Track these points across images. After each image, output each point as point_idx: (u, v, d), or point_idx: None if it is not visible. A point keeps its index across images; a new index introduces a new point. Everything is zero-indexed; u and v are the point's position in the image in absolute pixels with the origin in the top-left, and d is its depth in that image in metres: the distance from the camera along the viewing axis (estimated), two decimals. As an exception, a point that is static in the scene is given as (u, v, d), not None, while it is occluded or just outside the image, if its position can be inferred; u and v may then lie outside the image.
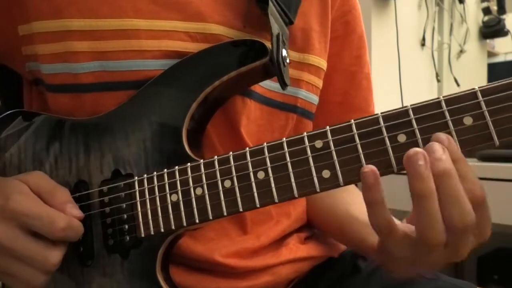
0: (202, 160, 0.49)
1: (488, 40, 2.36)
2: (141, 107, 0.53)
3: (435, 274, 0.61)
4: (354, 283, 0.68)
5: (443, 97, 0.41)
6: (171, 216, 0.49)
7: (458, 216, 0.39)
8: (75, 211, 0.50)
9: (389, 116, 0.42)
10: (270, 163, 0.45)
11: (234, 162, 0.47)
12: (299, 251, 0.64)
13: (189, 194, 0.48)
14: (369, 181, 0.40)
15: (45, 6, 0.53)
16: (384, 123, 0.42)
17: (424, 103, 0.41)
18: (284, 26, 0.58)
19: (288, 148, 0.45)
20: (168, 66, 0.53)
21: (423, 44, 1.87)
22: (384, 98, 1.50)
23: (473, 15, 2.23)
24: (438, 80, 1.98)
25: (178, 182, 0.49)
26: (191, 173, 0.48)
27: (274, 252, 0.62)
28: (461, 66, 2.08)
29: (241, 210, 0.46)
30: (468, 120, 0.40)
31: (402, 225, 0.43)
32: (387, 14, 1.64)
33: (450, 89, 2.01)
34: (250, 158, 0.46)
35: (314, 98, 0.67)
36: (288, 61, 0.53)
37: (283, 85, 0.52)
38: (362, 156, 0.42)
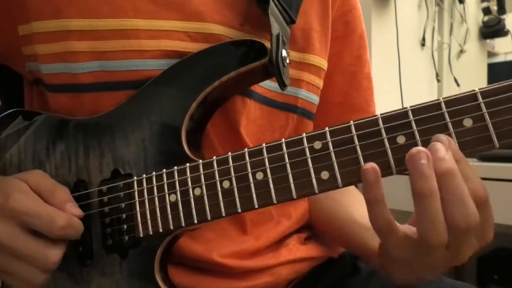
0: (201, 161, 0.49)
1: (488, 40, 2.36)
2: (140, 107, 0.53)
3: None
4: (354, 284, 0.68)
5: (443, 98, 0.41)
6: (170, 217, 0.49)
7: (462, 216, 0.39)
8: (75, 209, 0.50)
9: (388, 117, 0.42)
10: (269, 164, 0.45)
11: (233, 163, 0.47)
12: (299, 251, 0.64)
13: (187, 194, 0.48)
14: (370, 179, 0.40)
15: (45, 6, 0.53)
16: (383, 124, 0.42)
17: (424, 105, 0.41)
18: (285, 25, 0.57)
19: (287, 149, 0.45)
20: (168, 66, 0.53)
21: (423, 44, 1.87)
22: (384, 98, 1.49)
23: (473, 15, 2.23)
24: (438, 80, 1.98)
25: (177, 183, 0.49)
26: (190, 174, 0.48)
27: (274, 252, 0.62)
28: (461, 66, 2.08)
29: (239, 210, 0.46)
30: (468, 122, 0.40)
31: (403, 226, 0.43)
32: (387, 14, 1.64)
33: (450, 89, 2.01)
34: (249, 158, 0.46)
35: (315, 98, 0.67)
36: (288, 61, 0.53)
37: (282, 85, 0.52)
38: (361, 157, 0.42)
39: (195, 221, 0.48)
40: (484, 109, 0.39)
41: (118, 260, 0.51)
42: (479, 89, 0.40)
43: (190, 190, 0.48)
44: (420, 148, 0.39)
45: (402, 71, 1.68)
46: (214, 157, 0.48)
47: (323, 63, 0.67)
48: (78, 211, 0.50)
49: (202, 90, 0.51)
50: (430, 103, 0.41)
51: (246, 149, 0.47)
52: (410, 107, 0.41)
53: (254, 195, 0.46)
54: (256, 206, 0.45)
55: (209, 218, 0.47)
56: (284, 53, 0.52)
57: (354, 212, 0.65)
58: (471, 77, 2.20)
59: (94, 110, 0.54)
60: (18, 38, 0.56)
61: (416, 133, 0.41)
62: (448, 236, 0.40)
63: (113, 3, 0.53)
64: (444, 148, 0.38)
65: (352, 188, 0.70)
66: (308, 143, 0.44)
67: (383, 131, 0.42)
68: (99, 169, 0.53)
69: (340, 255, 0.71)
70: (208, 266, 0.57)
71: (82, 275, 0.52)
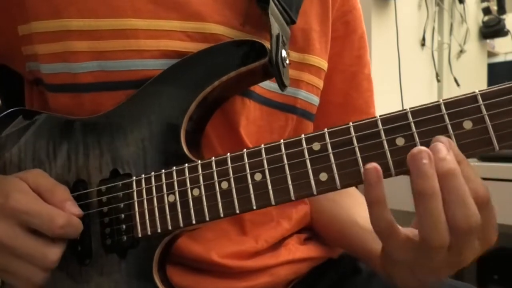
0: (199, 161, 0.49)
1: (488, 40, 2.36)
2: (140, 107, 0.53)
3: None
4: (355, 285, 0.68)
5: (443, 100, 0.40)
6: (168, 217, 0.49)
7: (463, 217, 0.38)
8: (74, 208, 0.50)
9: (387, 119, 0.42)
10: (268, 165, 0.45)
11: (231, 164, 0.47)
12: (298, 251, 0.64)
13: (186, 195, 0.48)
14: (372, 179, 0.39)
15: (44, 6, 0.53)
16: (382, 126, 0.42)
17: (423, 106, 0.41)
18: (286, 25, 0.57)
19: (285, 150, 0.45)
20: (167, 66, 0.53)
21: (423, 44, 1.87)
22: (384, 98, 1.50)
23: (473, 15, 2.23)
24: (438, 80, 1.98)
25: (176, 183, 0.49)
26: (189, 174, 0.48)
27: (273, 252, 0.62)
28: (461, 66, 2.08)
29: (237, 211, 0.46)
30: (467, 124, 0.40)
31: (404, 229, 0.43)
32: (387, 14, 1.64)
33: (450, 89, 2.01)
34: (248, 159, 0.46)
35: (315, 99, 0.67)
36: (288, 61, 0.53)
37: (282, 86, 0.52)
38: (359, 159, 0.42)
39: (193, 222, 0.48)
40: (484, 111, 0.39)
41: (116, 260, 0.51)
42: (479, 91, 0.40)
43: (189, 190, 0.48)
44: (422, 147, 0.38)
45: (402, 71, 1.68)
46: (213, 158, 0.48)
47: (323, 64, 0.67)
48: (78, 210, 0.50)
49: (201, 90, 0.51)
50: (429, 105, 0.41)
51: (245, 150, 0.47)
52: (409, 108, 0.41)
53: (252, 196, 0.45)
54: (254, 207, 0.45)
55: (207, 218, 0.47)
56: (284, 53, 0.52)
57: (355, 214, 0.65)
58: (471, 77, 2.20)
59: (94, 110, 0.54)
60: (18, 38, 0.56)
61: (416, 135, 0.41)
62: (450, 237, 0.39)
63: (112, 3, 0.53)
64: (446, 149, 0.38)
65: (353, 189, 0.70)
66: (307, 144, 0.44)
67: (382, 132, 0.41)
68: (99, 169, 0.53)
69: (339, 256, 0.71)
70: (207, 266, 0.57)
71: (81, 275, 0.52)
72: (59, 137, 0.55)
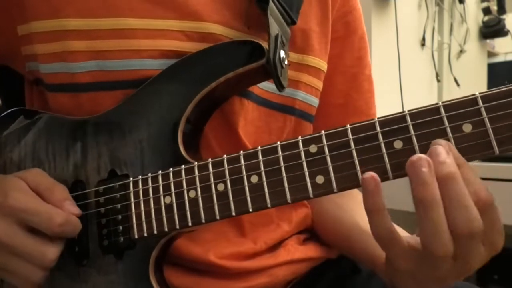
0: (196, 163, 0.48)
1: (488, 40, 2.37)
2: (138, 107, 0.53)
3: None
4: (354, 284, 0.67)
5: (442, 102, 0.40)
6: (164, 219, 0.49)
7: (464, 222, 0.37)
8: (73, 208, 0.50)
9: (385, 122, 0.41)
10: (264, 167, 0.45)
11: (227, 165, 0.46)
12: (297, 252, 0.64)
13: (182, 196, 0.48)
14: (370, 188, 0.39)
15: (43, 6, 0.53)
16: (380, 128, 0.41)
17: (422, 109, 0.40)
18: (286, 26, 0.57)
19: (282, 152, 0.44)
20: (165, 66, 0.53)
21: (423, 44, 1.87)
22: (384, 99, 1.49)
23: (473, 15, 2.23)
24: (438, 80, 1.98)
25: (172, 184, 0.49)
26: (185, 176, 0.48)
27: (272, 253, 0.62)
28: (461, 66, 2.08)
29: (233, 214, 0.46)
30: (467, 127, 0.39)
31: (407, 237, 0.42)
32: (387, 14, 1.63)
33: (450, 89, 2.01)
34: (244, 161, 0.46)
35: (314, 100, 0.67)
36: (286, 62, 0.53)
37: (280, 87, 0.51)
38: (357, 162, 0.41)
39: (190, 224, 0.47)
40: (484, 114, 0.38)
41: (113, 260, 0.51)
42: (479, 93, 0.39)
43: (185, 192, 0.48)
44: (421, 155, 0.38)
45: (402, 71, 1.68)
46: (210, 159, 0.48)
47: (323, 65, 0.66)
48: (76, 210, 0.50)
49: (199, 92, 0.51)
50: (428, 107, 0.40)
51: (241, 151, 0.46)
52: (408, 111, 0.40)
53: (248, 198, 0.45)
54: (251, 210, 0.45)
55: (203, 221, 0.47)
56: (282, 54, 0.51)
57: (358, 218, 0.64)
58: (471, 77, 2.20)
59: (92, 109, 0.54)
60: (18, 38, 0.56)
61: (414, 138, 0.40)
62: (453, 246, 0.39)
63: (110, 2, 0.53)
64: (446, 152, 0.38)
65: (356, 192, 0.69)
66: (303, 146, 0.44)
67: (380, 135, 0.41)
68: (97, 169, 0.53)
69: (338, 256, 0.70)
70: (205, 267, 0.57)
71: (79, 275, 0.52)
72: (58, 137, 0.55)
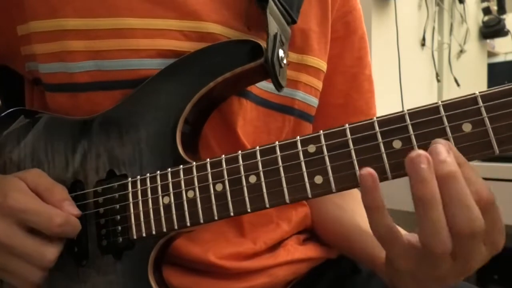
0: (194, 163, 0.48)
1: (488, 40, 2.37)
2: (136, 107, 0.53)
3: None
4: (354, 285, 0.67)
5: (442, 102, 0.39)
6: (163, 219, 0.48)
7: (466, 221, 0.37)
8: (73, 208, 0.50)
9: (384, 121, 0.41)
10: (262, 167, 0.45)
11: (226, 165, 0.46)
12: (297, 252, 0.63)
13: (181, 197, 0.48)
14: (367, 184, 0.38)
15: (42, 6, 0.53)
16: (379, 128, 0.41)
17: (422, 108, 0.40)
18: (286, 25, 0.57)
19: (280, 152, 0.44)
20: (163, 65, 0.53)
21: (423, 44, 1.87)
22: (384, 99, 1.50)
23: (473, 15, 2.23)
24: (438, 80, 1.98)
25: (171, 184, 0.49)
26: (183, 176, 0.48)
27: (271, 253, 0.62)
28: (461, 66, 2.08)
29: (232, 214, 0.46)
30: (467, 127, 0.38)
31: (407, 234, 0.42)
32: (387, 14, 1.63)
33: (450, 89, 2.01)
34: (242, 161, 0.46)
35: (313, 100, 0.66)
36: (285, 61, 0.52)
37: (278, 86, 0.51)
38: (355, 162, 0.41)
39: (188, 224, 0.47)
40: (484, 114, 0.38)
41: (112, 261, 0.51)
42: (479, 92, 0.38)
43: (183, 192, 0.48)
44: (420, 151, 0.37)
45: (402, 71, 1.68)
46: (208, 160, 0.48)
47: (322, 65, 0.66)
48: (76, 210, 0.50)
49: (197, 91, 0.51)
50: (428, 107, 0.40)
51: (239, 151, 0.46)
52: (407, 110, 0.40)
53: (246, 198, 0.45)
54: (249, 210, 0.45)
55: (201, 221, 0.47)
56: (281, 53, 0.51)
57: (358, 218, 0.64)
58: (471, 77, 2.20)
59: (91, 109, 0.54)
60: (17, 38, 0.56)
61: (413, 137, 0.40)
62: (453, 244, 0.38)
63: (109, 2, 0.53)
64: (446, 150, 0.37)
65: (357, 192, 0.69)
66: (302, 146, 0.43)
67: (378, 135, 0.41)
68: (95, 170, 0.53)
69: (338, 256, 0.70)
70: (204, 267, 0.57)
71: (78, 275, 0.52)
72: (57, 137, 0.55)
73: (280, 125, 0.63)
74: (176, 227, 0.48)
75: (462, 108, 0.39)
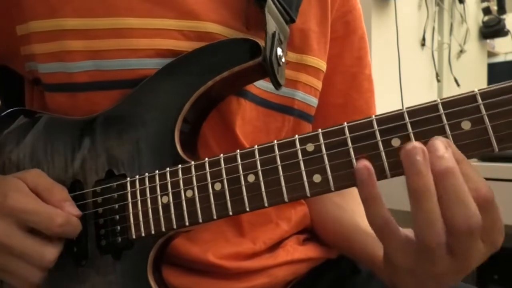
0: (193, 162, 0.48)
1: (488, 40, 2.37)
2: (134, 107, 0.53)
3: None
4: (354, 285, 0.67)
5: (441, 99, 0.39)
6: (162, 218, 0.48)
7: (463, 217, 0.37)
8: (73, 209, 0.50)
9: (383, 120, 0.41)
10: (261, 166, 0.45)
11: (224, 165, 0.46)
12: (297, 252, 0.63)
13: (179, 196, 0.48)
14: (363, 177, 0.39)
15: (41, 6, 0.53)
16: (377, 126, 0.41)
17: (420, 106, 0.40)
18: (284, 24, 0.57)
19: (279, 151, 0.44)
20: (162, 65, 0.53)
21: (423, 44, 1.87)
22: (384, 98, 1.49)
23: (473, 15, 2.23)
24: (438, 80, 1.98)
25: (169, 184, 0.48)
26: (182, 175, 0.48)
27: (271, 253, 0.62)
28: (461, 66, 2.08)
29: (230, 213, 0.46)
30: (466, 125, 0.38)
31: (404, 230, 0.41)
32: (387, 14, 1.63)
33: (450, 89, 2.01)
34: (241, 160, 0.46)
35: (312, 100, 0.66)
36: (284, 60, 0.52)
37: (276, 85, 0.51)
38: (354, 160, 0.41)
39: (187, 224, 0.47)
40: (483, 111, 0.38)
41: (112, 261, 0.51)
42: (478, 90, 0.38)
43: (182, 192, 0.48)
44: (416, 143, 0.37)
45: (402, 71, 1.68)
46: (206, 159, 0.47)
47: (322, 64, 0.66)
48: (76, 211, 0.50)
49: (195, 90, 0.51)
50: (427, 105, 0.40)
51: (238, 151, 0.46)
52: (406, 108, 0.40)
53: (245, 198, 0.45)
54: (248, 209, 0.45)
55: (200, 220, 0.47)
56: (279, 51, 0.51)
57: (358, 218, 0.64)
58: (471, 77, 2.20)
59: (90, 109, 0.54)
60: (17, 38, 0.56)
61: (412, 136, 0.39)
62: (451, 241, 0.38)
63: (108, 1, 0.53)
64: (444, 146, 0.37)
65: (354, 190, 0.69)
66: (300, 145, 0.43)
67: (377, 133, 0.41)
68: (94, 170, 0.53)
69: (338, 256, 0.70)
70: (204, 267, 0.57)
71: (78, 275, 0.52)
72: (57, 137, 0.55)
73: (279, 125, 0.63)
74: (175, 226, 0.48)
75: (461, 106, 0.39)
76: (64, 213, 0.48)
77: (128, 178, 0.51)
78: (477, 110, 0.38)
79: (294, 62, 0.62)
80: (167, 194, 0.48)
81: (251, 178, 0.45)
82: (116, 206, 0.51)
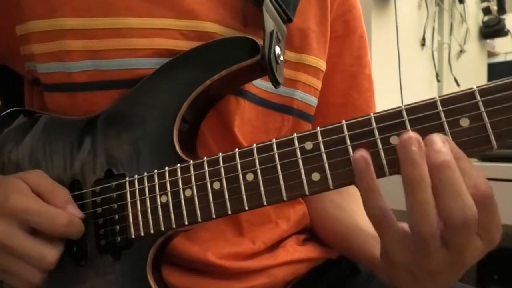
0: (191, 161, 0.48)
1: (488, 40, 2.37)
2: (133, 107, 0.53)
3: None
4: (354, 285, 0.67)
5: (439, 97, 0.39)
6: (161, 218, 0.48)
7: (458, 209, 0.36)
8: (76, 211, 0.50)
9: (381, 117, 0.41)
10: (259, 165, 0.44)
11: (223, 164, 0.46)
12: (297, 252, 0.63)
13: (178, 195, 0.48)
14: (360, 167, 0.39)
15: (40, 6, 0.53)
16: (376, 124, 0.40)
17: (419, 104, 0.40)
18: (282, 23, 0.57)
19: (277, 149, 0.44)
20: (160, 65, 0.53)
21: (423, 44, 1.87)
22: (384, 98, 1.49)
23: (473, 15, 2.23)
24: (438, 80, 1.98)
25: (168, 183, 0.48)
26: (181, 174, 0.48)
27: (271, 253, 0.62)
28: (461, 66, 2.08)
29: (229, 212, 0.45)
30: (465, 122, 0.38)
31: (401, 223, 0.41)
32: (387, 14, 1.63)
33: (450, 89, 2.01)
34: (239, 159, 0.46)
35: (312, 100, 0.66)
36: (282, 58, 0.52)
37: (275, 83, 0.51)
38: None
39: (186, 223, 0.47)
40: (482, 108, 0.38)
41: (111, 260, 0.51)
42: (477, 86, 0.38)
43: (181, 191, 0.48)
44: (411, 133, 0.37)
45: (402, 71, 1.68)
46: (205, 158, 0.47)
47: (321, 64, 0.66)
48: (78, 213, 0.50)
49: (193, 90, 0.51)
50: (425, 102, 0.39)
51: (236, 149, 0.46)
52: (404, 106, 0.40)
53: (244, 196, 0.45)
54: (246, 208, 0.45)
55: (199, 219, 0.47)
56: (277, 50, 0.51)
57: (358, 218, 0.63)
58: (471, 77, 2.20)
59: (88, 109, 0.54)
60: (17, 38, 0.56)
61: None
62: (447, 234, 0.38)
63: (107, 1, 0.52)
64: (441, 140, 0.37)
65: (357, 193, 0.68)
66: (299, 143, 0.43)
67: (376, 131, 0.40)
68: (93, 169, 0.52)
69: (338, 256, 0.70)
70: (203, 266, 0.57)
71: (77, 275, 0.52)
72: (56, 137, 0.55)
73: (279, 125, 0.63)
74: (174, 225, 0.48)
75: (459, 103, 0.39)
76: (67, 214, 0.48)
77: (127, 178, 0.51)
78: (475, 107, 0.38)
79: (293, 61, 0.62)
80: (166, 194, 0.48)
81: (249, 176, 0.45)
82: (115, 205, 0.51)
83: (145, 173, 0.50)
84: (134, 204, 0.50)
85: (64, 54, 0.53)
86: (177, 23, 0.54)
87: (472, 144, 0.38)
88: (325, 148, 0.42)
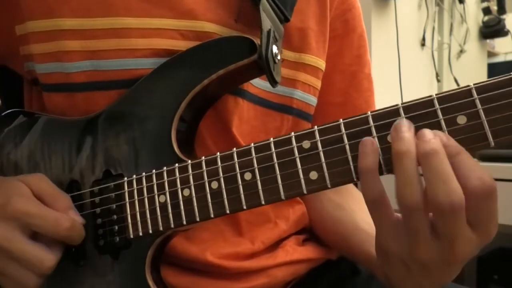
0: (189, 161, 0.48)
1: (488, 40, 2.36)
2: (131, 106, 0.53)
3: None
4: (354, 286, 0.67)
5: (436, 95, 0.39)
6: (159, 218, 0.48)
7: (444, 193, 0.37)
8: (77, 217, 0.50)
9: (378, 116, 0.41)
10: (257, 164, 0.45)
11: (221, 163, 0.46)
12: (296, 253, 0.63)
13: (176, 195, 0.48)
14: (366, 149, 0.39)
15: (38, 6, 0.53)
16: (373, 122, 0.41)
17: (416, 101, 0.40)
18: (279, 23, 0.57)
19: (275, 148, 0.44)
20: (158, 64, 0.53)
21: (423, 44, 1.87)
22: (384, 98, 1.49)
23: (473, 15, 2.23)
24: (438, 80, 1.98)
25: (166, 183, 0.48)
26: (179, 174, 0.48)
27: (270, 253, 0.62)
28: (461, 66, 2.08)
29: (227, 212, 0.46)
30: (462, 120, 0.38)
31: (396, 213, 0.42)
32: (387, 14, 1.63)
33: (450, 89, 2.01)
34: (237, 159, 0.46)
35: (311, 99, 0.66)
36: (279, 57, 0.52)
37: (273, 82, 0.51)
38: (350, 157, 0.41)
39: (184, 223, 0.47)
40: (479, 106, 0.38)
41: (110, 261, 0.51)
42: (474, 84, 0.38)
43: (179, 191, 0.48)
44: (405, 120, 0.39)
45: (402, 71, 1.68)
46: (203, 157, 0.47)
47: (321, 63, 0.66)
48: (80, 219, 0.50)
49: (191, 90, 0.51)
50: (422, 100, 0.40)
51: (234, 149, 0.46)
52: (401, 104, 0.40)
53: (242, 196, 0.45)
54: (245, 207, 0.45)
55: (197, 219, 0.47)
56: (275, 49, 0.51)
57: (357, 218, 0.63)
58: (471, 77, 2.19)
59: (87, 109, 0.54)
60: (16, 38, 0.56)
61: None
62: (436, 220, 0.38)
63: (105, 1, 0.52)
64: (432, 134, 0.38)
65: (357, 193, 0.68)
66: (296, 142, 0.43)
67: (373, 129, 0.41)
68: (92, 170, 0.52)
69: (338, 257, 0.70)
70: (202, 266, 0.57)
71: (76, 275, 0.52)
72: (54, 138, 0.55)
73: (278, 125, 0.63)
74: (172, 225, 0.48)
75: (456, 101, 0.39)
76: (70, 218, 0.48)
77: (125, 178, 0.51)
78: (472, 104, 0.38)
79: (292, 61, 0.62)
80: (164, 193, 0.48)
81: (247, 176, 0.45)
82: (114, 206, 0.51)
83: (143, 173, 0.50)
84: (132, 204, 0.50)
85: (63, 54, 0.53)
86: (175, 23, 0.54)
87: (469, 142, 0.38)
88: (322, 147, 0.42)
